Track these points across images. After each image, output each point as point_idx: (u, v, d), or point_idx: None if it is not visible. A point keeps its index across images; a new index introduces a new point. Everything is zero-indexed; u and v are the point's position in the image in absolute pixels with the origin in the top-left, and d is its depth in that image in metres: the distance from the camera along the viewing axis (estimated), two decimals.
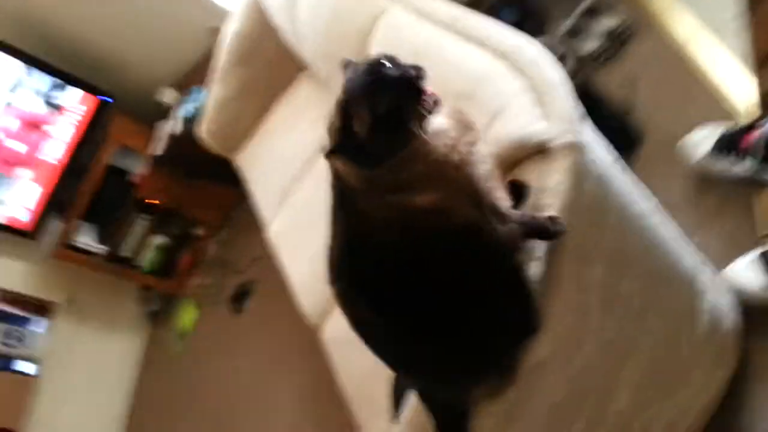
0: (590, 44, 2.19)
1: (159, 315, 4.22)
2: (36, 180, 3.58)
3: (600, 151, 1.20)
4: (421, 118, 0.96)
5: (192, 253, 4.07)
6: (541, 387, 1.12)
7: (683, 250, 1.42)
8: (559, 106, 1.14)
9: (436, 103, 0.98)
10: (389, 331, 1.06)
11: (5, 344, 3.81)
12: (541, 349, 1.07)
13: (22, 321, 4.14)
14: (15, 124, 3.43)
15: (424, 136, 0.96)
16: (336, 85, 1.00)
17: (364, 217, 1.03)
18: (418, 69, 0.96)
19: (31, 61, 3.37)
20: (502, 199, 1.04)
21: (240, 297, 3.57)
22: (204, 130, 2.96)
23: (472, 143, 1.01)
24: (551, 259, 1.07)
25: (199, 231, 4.02)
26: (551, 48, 1.29)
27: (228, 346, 3.55)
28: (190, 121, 3.30)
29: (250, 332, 3.42)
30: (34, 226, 3.68)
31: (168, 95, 3.68)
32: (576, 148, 1.10)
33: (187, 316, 3.97)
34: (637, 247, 1.24)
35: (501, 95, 1.21)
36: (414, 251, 1.00)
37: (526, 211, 1.10)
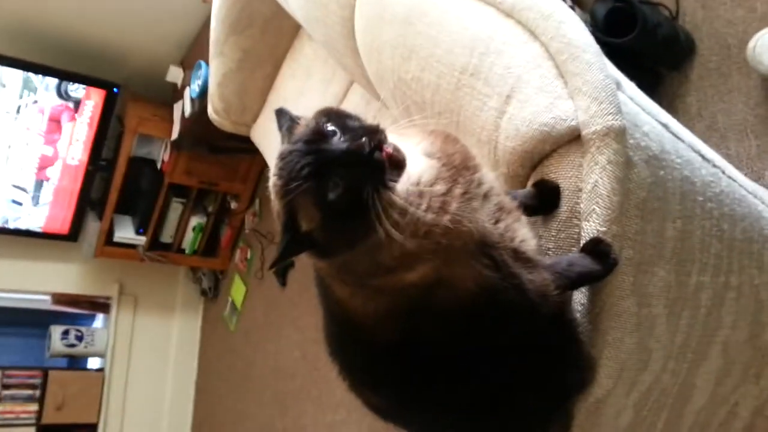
0: None
1: (210, 294, 4.20)
2: (63, 183, 3.51)
3: (646, 120, 0.94)
4: (386, 190, 0.73)
5: (231, 228, 3.99)
6: (600, 424, 0.93)
7: (761, 203, 1.16)
8: (587, 77, 0.87)
9: (399, 165, 0.74)
10: (411, 416, 0.88)
11: (70, 345, 3.88)
12: (598, 389, 0.87)
13: (81, 320, 4.22)
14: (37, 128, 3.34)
15: (394, 215, 0.73)
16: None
17: (343, 307, 0.82)
18: (373, 132, 0.74)
19: (25, 65, 3.21)
20: (525, 239, 0.81)
21: (283, 269, 3.46)
22: (211, 110, 2.76)
23: (469, 184, 0.77)
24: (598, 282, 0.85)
25: (234, 205, 3.91)
26: None
27: (277, 320, 3.51)
28: (198, 100, 3.11)
29: (296, 304, 3.35)
30: (71, 229, 3.66)
31: (174, 74, 3.48)
32: (615, 135, 0.84)
33: (236, 292, 3.92)
34: (705, 228, 0.99)
35: (513, 68, 0.95)
36: (420, 337, 0.79)
37: (560, 258, 0.86)
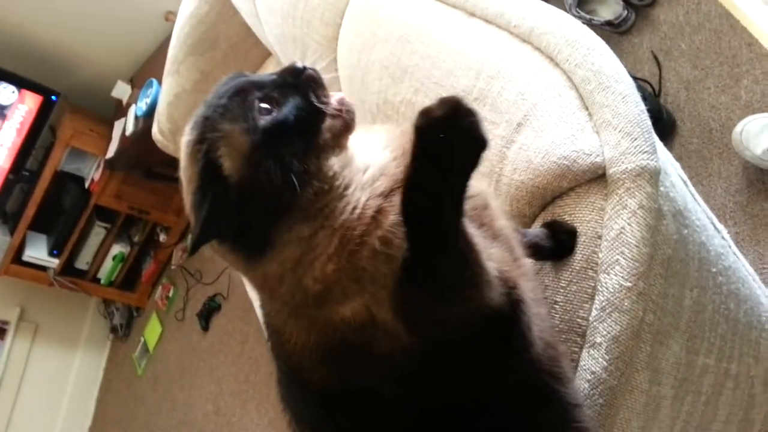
0: (606, 11, 1.81)
1: (121, 331, 3.84)
2: None
3: (672, 171, 0.84)
4: (328, 149, 0.63)
5: (155, 262, 3.70)
6: None
7: (758, 287, 1.07)
8: (619, 109, 0.77)
9: (346, 120, 0.64)
10: None
11: None
12: None
13: None
14: None
15: (335, 184, 0.62)
16: None
17: (280, 338, 0.67)
18: (307, 70, 0.65)
19: None
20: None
21: (207, 312, 3.20)
22: (157, 130, 2.57)
23: None
24: (617, 347, 0.71)
25: (163, 238, 3.64)
26: None
27: (192, 367, 3.21)
28: (143, 119, 2.91)
29: (216, 353, 3.08)
30: None
31: (121, 90, 3.27)
32: (649, 177, 0.73)
33: (150, 332, 3.60)
34: (715, 304, 0.89)
35: (527, 95, 0.84)
36: (360, 388, 0.63)
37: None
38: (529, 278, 0.69)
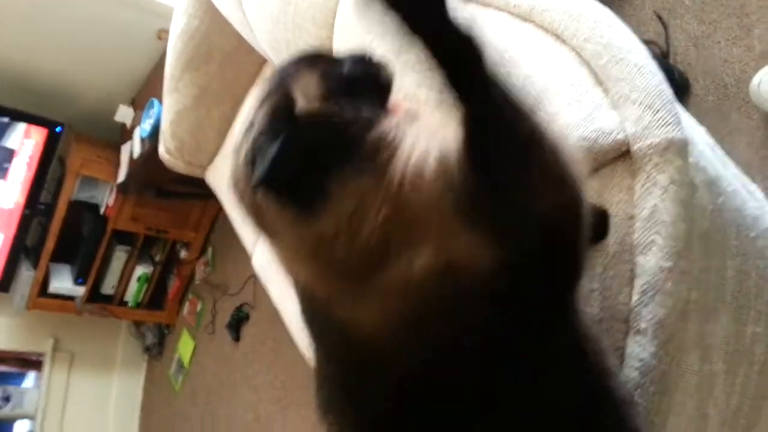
0: None
1: (154, 350, 3.87)
2: None
3: (699, 138, 0.80)
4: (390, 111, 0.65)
5: (179, 279, 3.71)
6: None
7: None
8: (636, 82, 0.73)
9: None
10: None
11: None
12: None
13: (8, 379, 3.82)
14: None
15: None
16: None
17: (347, 333, 0.61)
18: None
19: None
20: None
21: (236, 323, 3.21)
22: (163, 150, 2.56)
23: None
24: (664, 331, 0.68)
25: (184, 254, 3.65)
26: None
27: (229, 379, 3.22)
28: (149, 140, 2.90)
29: (251, 362, 3.09)
30: (2, 279, 3.33)
31: (124, 114, 3.27)
32: (677, 149, 0.70)
33: (183, 348, 3.62)
34: (759, 269, 0.85)
35: (534, 78, 0.80)
36: (455, 358, 0.59)
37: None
38: None
